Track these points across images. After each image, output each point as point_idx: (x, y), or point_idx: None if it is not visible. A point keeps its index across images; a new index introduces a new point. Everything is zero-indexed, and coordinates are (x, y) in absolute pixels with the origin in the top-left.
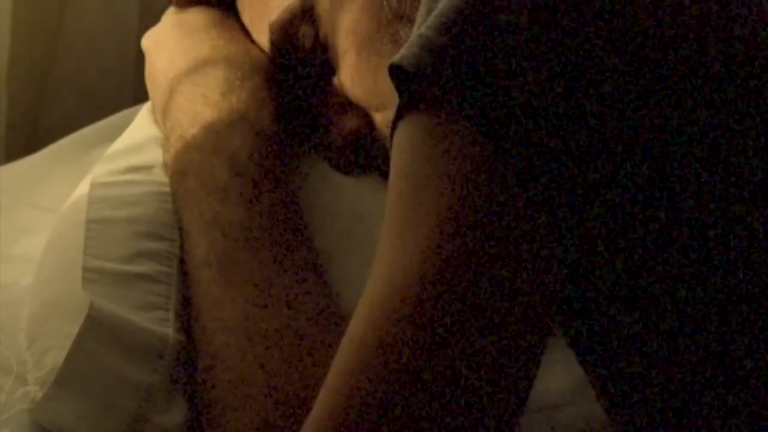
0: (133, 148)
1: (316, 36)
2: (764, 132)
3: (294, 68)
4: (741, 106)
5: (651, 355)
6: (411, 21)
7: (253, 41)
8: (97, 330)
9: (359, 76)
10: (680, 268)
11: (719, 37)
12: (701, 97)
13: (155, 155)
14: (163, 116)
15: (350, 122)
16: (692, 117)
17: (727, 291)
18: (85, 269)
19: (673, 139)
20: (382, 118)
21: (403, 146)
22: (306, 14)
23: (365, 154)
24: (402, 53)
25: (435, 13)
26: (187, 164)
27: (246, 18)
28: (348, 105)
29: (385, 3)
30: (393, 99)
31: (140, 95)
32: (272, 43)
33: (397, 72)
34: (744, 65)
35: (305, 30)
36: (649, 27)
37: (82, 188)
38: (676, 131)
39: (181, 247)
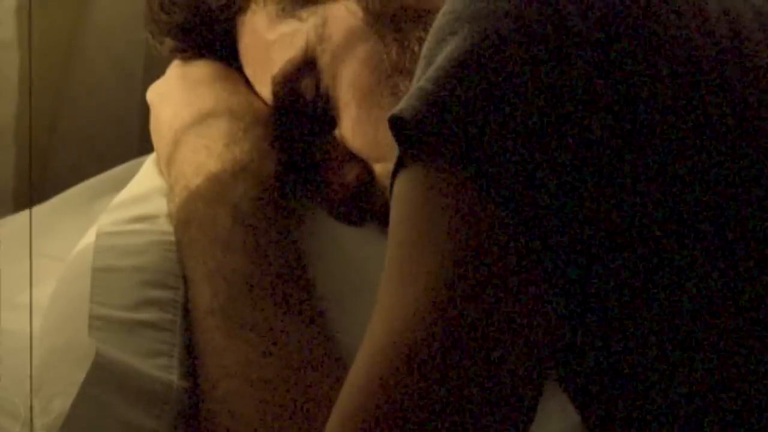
0: (138, 198)
1: (318, 88)
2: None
3: (296, 120)
4: (747, 155)
5: (646, 398)
6: (410, 74)
7: (255, 93)
8: (102, 377)
9: (360, 128)
10: (675, 309)
11: (717, 97)
12: (704, 152)
13: (160, 205)
14: (167, 167)
15: (351, 173)
16: (690, 169)
17: (724, 337)
18: (91, 317)
19: (670, 190)
20: (382, 169)
21: (403, 196)
22: (308, 67)
23: (365, 205)
24: (401, 105)
25: (434, 66)
26: (191, 214)
27: (249, 71)
28: (349, 156)
29: (385, 56)
30: (393, 150)
31: (145, 146)
32: (274, 95)
33: (396, 123)
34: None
35: (307, 83)
36: (645, 82)
37: (89, 237)
38: (674, 182)
39: (186, 295)
